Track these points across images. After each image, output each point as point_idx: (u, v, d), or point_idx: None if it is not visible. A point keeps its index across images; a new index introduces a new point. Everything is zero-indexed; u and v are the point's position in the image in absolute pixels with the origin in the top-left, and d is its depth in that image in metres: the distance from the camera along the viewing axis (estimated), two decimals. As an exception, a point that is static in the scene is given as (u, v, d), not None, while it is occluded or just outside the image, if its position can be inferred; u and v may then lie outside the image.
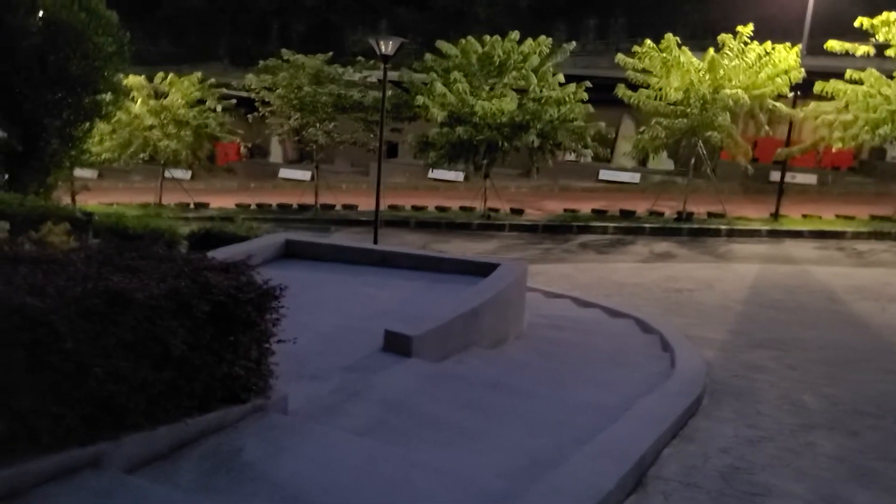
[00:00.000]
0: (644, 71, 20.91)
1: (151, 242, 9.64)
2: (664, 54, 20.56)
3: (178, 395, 4.56)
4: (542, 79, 21.60)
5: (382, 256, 9.97)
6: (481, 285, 8.26)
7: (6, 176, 14.14)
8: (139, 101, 24.55)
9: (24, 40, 12.58)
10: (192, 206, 25.05)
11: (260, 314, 5.08)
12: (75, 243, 6.18)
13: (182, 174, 28.01)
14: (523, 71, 21.70)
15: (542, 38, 22.06)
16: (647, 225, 20.66)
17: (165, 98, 25.08)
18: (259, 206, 24.90)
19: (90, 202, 21.95)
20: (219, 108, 25.56)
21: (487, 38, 22.19)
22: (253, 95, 24.83)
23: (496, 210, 22.70)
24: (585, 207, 23.22)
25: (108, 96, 14.27)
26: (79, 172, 21.20)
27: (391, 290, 8.79)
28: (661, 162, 29.89)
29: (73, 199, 20.44)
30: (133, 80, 23.47)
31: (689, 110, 20.65)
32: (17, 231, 6.30)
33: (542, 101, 21.14)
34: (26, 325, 3.75)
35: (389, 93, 20.38)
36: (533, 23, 29.35)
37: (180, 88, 25.11)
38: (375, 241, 15.08)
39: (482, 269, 9.03)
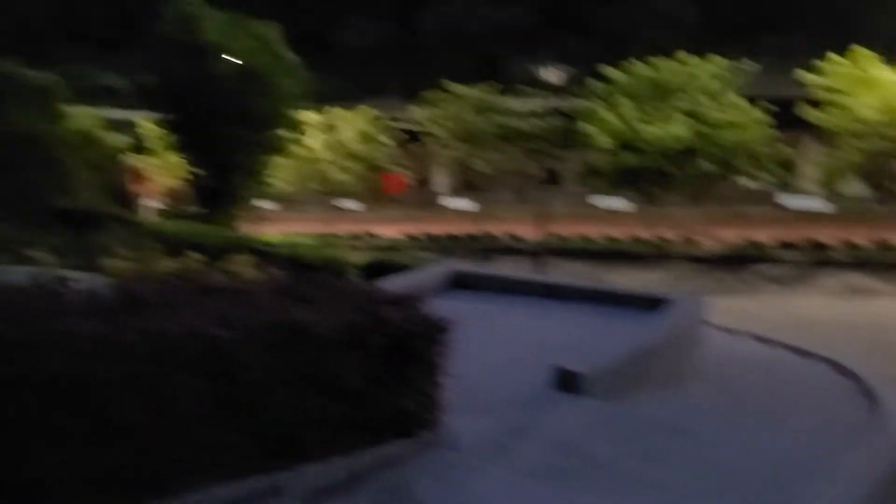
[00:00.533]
0: (831, 89, 19.33)
1: (326, 272, 10.05)
2: (855, 70, 18.90)
3: (353, 428, 4.58)
4: (716, 101, 20.56)
5: (549, 287, 9.74)
6: (655, 320, 7.81)
7: (200, 208, 15.40)
8: (314, 136, 26.03)
9: (218, 85, 13.72)
10: (362, 235, 26.07)
11: (430, 348, 5.04)
12: (259, 274, 6.48)
13: (352, 204, 29.32)
14: (695, 94, 20.78)
15: (716, 58, 21.06)
16: (838, 256, 18.90)
17: (338, 133, 26.44)
18: (425, 235, 25.46)
19: (269, 231, 23.45)
20: (387, 141, 26.58)
21: (655, 61, 21.50)
22: (419, 128, 25.62)
23: (665, 239, 21.75)
24: (764, 236, 21.66)
25: (288, 133, 15.21)
26: (260, 204, 22.73)
27: (559, 323, 8.52)
28: (852, 187, 27.40)
29: (255, 229, 21.92)
30: (309, 116, 24.96)
31: (891, 132, 18.74)
32: (209, 262, 6.72)
33: (716, 124, 20.10)
34: (215, 357, 3.89)
35: (554, 121, 20.24)
36: (705, 43, 28.08)
37: (352, 123, 26.40)
38: (540, 272, 14.88)
39: (655, 303, 8.56)
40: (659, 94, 21.45)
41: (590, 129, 20.66)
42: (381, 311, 4.86)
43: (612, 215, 28.88)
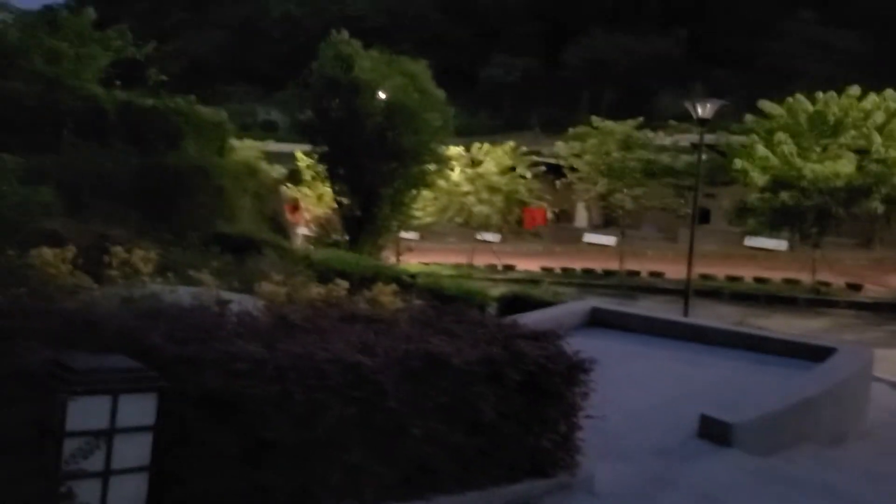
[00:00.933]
0: None
1: (465, 304, 10.11)
2: None
3: (487, 463, 4.53)
4: (890, 137, 19.01)
5: (696, 331, 9.29)
6: (816, 371, 7.25)
7: (347, 237, 16.03)
8: (457, 169, 26.50)
9: (368, 120, 14.33)
10: (499, 267, 26.15)
11: (569, 387, 4.92)
12: (401, 303, 6.61)
13: (492, 237, 29.51)
14: (864, 129, 19.32)
15: (890, 91, 19.52)
16: None
17: (480, 166, 26.78)
18: (563, 270, 25.14)
19: (410, 261, 24.04)
20: (528, 175, 26.62)
21: (820, 94, 20.24)
22: (561, 162, 25.48)
23: (827, 284, 20.22)
24: (945, 284, 19.69)
25: (432, 166, 15.60)
26: (402, 234, 23.36)
27: (706, 369, 8.10)
28: None
29: (398, 259, 22.54)
30: (452, 150, 25.48)
31: None
32: (353, 289, 6.93)
33: (889, 162, 18.57)
34: (358, 383, 3.99)
35: (704, 157, 19.47)
36: (876, 76, 26.15)
37: (494, 157, 26.67)
38: (686, 314, 14.24)
39: (816, 353, 7.94)
40: (822, 130, 20.12)
41: (743, 165, 19.68)
42: (519, 346, 4.81)
43: (765, 256, 27.30)
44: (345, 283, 6.70)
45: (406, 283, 9.20)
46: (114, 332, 4.16)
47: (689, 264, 14.70)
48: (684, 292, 16.71)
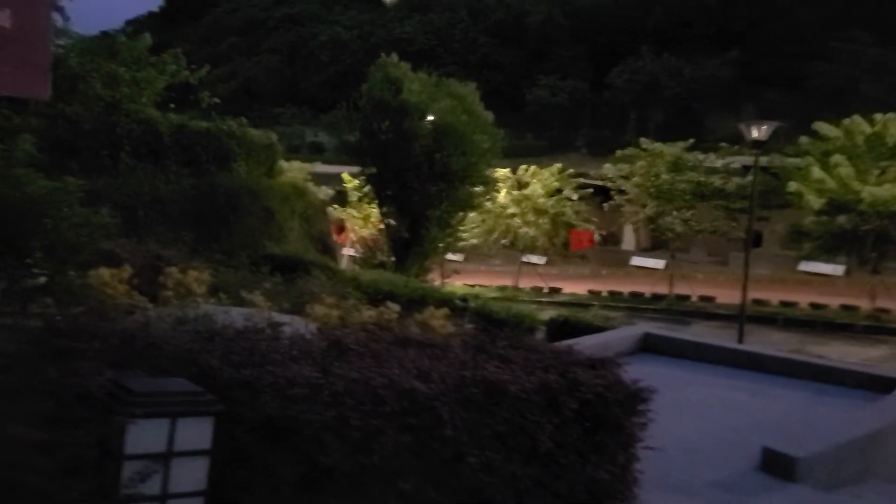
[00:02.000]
0: None
1: (513, 327, 10.00)
2: None
3: (543, 494, 4.41)
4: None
5: (753, 358, 9.01)
6: (881, 403, 6.95)
7: (394, 258, 16.05)
8: (503, 191, 26.43)
9: (416, 142, 14.39)
10: (545, 290, 25.90)
11: (627, 416, 4.79)
12: (453, 328, 6.55)
13: (538, 259, 29.28)
14: (930, 152, 18.76)
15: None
16: None
17: (527, 188, 26.66)
18: (610, 293, 24.75)
19: (455, 283, 23.97)
20: (575, 197, 26.40)
21: (879, 116, 19.69)
22: (609, 184, 25.21)
23: (886, 311, 19.52)
24: None
25: (480, 188, 15.56)
26: (447, 255, 23.32)
27: (765, 399, 7.83)
28: None
29: (443, 281, 22.49)
30: (499, 171, 25.44)
31: None
32: (403, 312, 6.90)
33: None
34: (414, 409, 3.93)
35: (755, 179, 19.06)
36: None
37: (540, 179, 26.53)
38: (740, 340, 13.86)
39: (883, 384, 7.62)
40: (881, 152, 19.57)
41: (798, 187, 19.20)
42: (577, 374, 4.70)
43: (821, 281, 26.53)
44: (395, 307, 6.68)
45: (455, 307, 9.13)
46: (171, 353, 4.19)
47: (744, 289, 14.32)
48: (738, 318, 16.30)
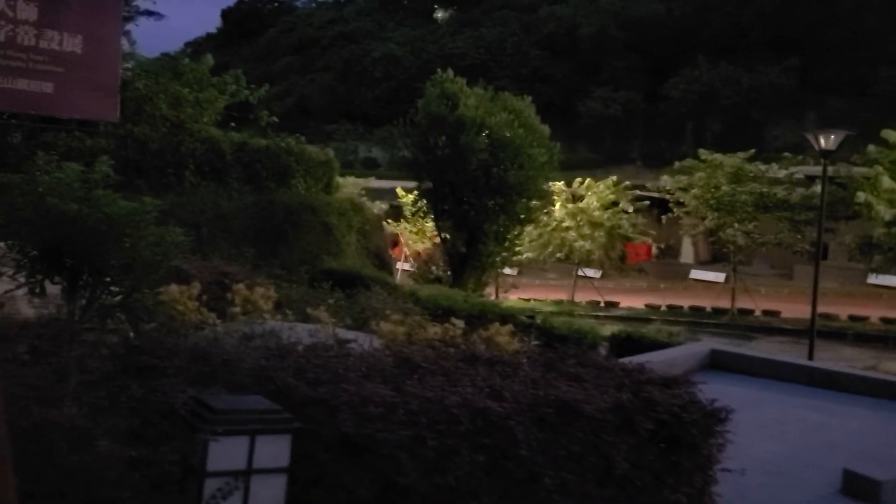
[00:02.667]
0: None
1: (578, 344, 9.86)
2: None
3: (619, 517, 4.31)
4: None
5: (827, 376, 8.69)
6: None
7: (450, 273, 16.04)
8: (558, 204, 26.21)
9: (473, 156, 14.38)
10: (602, 304, 25.56)
11: (704, 437, 4.66)
12: (518, 344, 6.49)
13: (593, 273, 28.93)
14: None
15: None
16: None
17: (582, 201, 26.38)
18: (670, 307, 24.28)
19: (511, 297, 23.84)
20: (631, 209, 26.02)
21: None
22: (667, 196, 24.77)
23: (962, 325, 18.72)
24: None
25: (537, 202, 15.45)
26: (505, 269, 23.19)
27: (842, 419, 7.54)
28: None
29: (497, 295, 22.39)
30: (554, 185, 25.25)
31: None
32: (467, 329, 6.88)
33: None
34: (488, 429, 3.88)
35: (821, 189, 18.49)
36: None
37: (596, 191, 26.22)
38: (811, 357, 13.41)
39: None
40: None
41: (867, 198, 18.54)
42: (651, 393, 4.60)
43: (891, 294, 25.53)
44: (460, 323, 6.66)
45: (522, 323, 9.05)
46: (248, 371, 4.24)
47: (814, 304, 13.84)
48: (805, 333, 15.77)
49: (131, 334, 5.74)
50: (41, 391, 3.53)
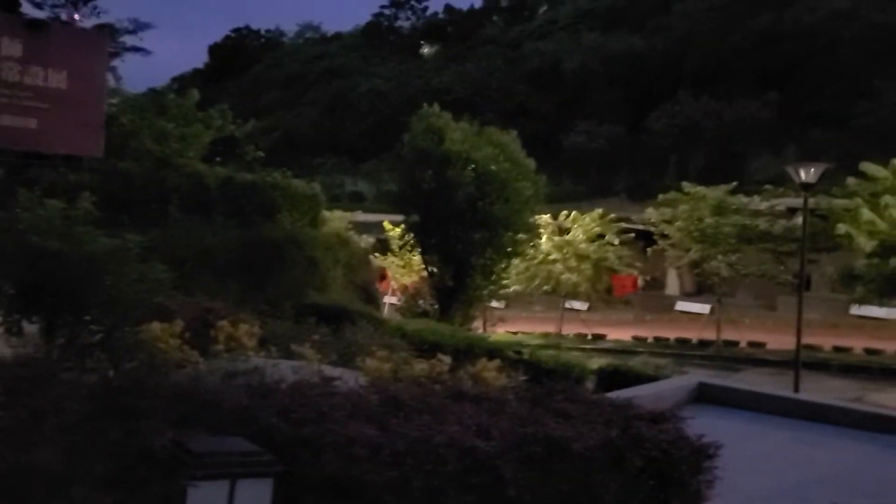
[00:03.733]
0: None
1: (563, 377, 9.80)
2: None
3: (608, 557, 4.24)
4: None
5: (815, 409, 8.67)
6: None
7: (436, 307, 15.98)
8: (544, 236, 26.26)
9: (459, 190, 14.43)
10: (589, 336, 25.51)
11: (693, 474, 4.61)
12: (506, 380, 6.44)
13: (580, 305, 28.90)
14: None
15: None
16: None
17: (568, 233, 26.46)
18: (656, 339, 24.28)
19: (498, 331, 23.75)
20: (617, 242, 26.11)
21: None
22: (651, 228, 24.92)
23: (948, 356, 18.80)
24: None
25: (524, 235, 15.48)
26: (491, 302, 23.10)
27: (831, 452, 7.50)
28: None
29: (485, 328, 22.30)
30: (541, 217, 25.32)
31: None
32: (454, 363, 6.82)
33: None
34: (476, 468, 3.82)
35: (802, 221, 18.65)
36: None
37: (581, 224, 26.31)
38: (797, 389, 13.41)
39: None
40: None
41: (848, 230, 18.73)
42: (639, 430, 4.56)
43: (875, 325, 25.67)
44: (447, 359, 6.61)
45: (503, 357, 8.99)
46: (229, 410, 4.16)
47: (798, 336, 13.88)
48: (791, 364, 15.80)
49: (111, 373, 5.63)
50: (16, 434, 3.43)
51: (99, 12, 16.98)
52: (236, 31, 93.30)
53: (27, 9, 20.19)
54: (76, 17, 16.13)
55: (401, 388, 5.09)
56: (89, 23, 16.35)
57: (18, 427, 3.54)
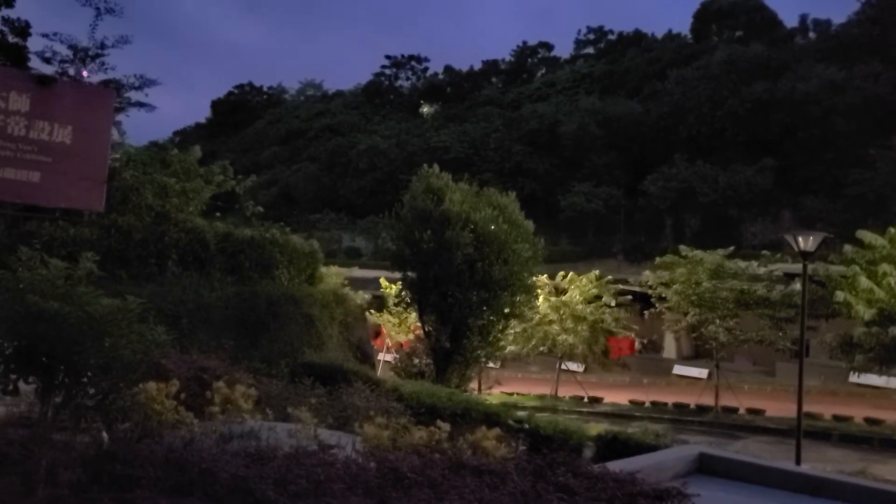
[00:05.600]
0: None
1: (561, 444, 9.64)
2: None
3: None
4: None
5: (822, 484, 8.47)
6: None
7: (433, 366, 15.81)
8: (541, 297, 26.22)
9: (458, 250, 14.43)
10: (586, 399, 25.24)
11: (700, 555, 4.49)
12: (505, 449, 6.31)
13: (576, 367, 28.69)
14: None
15: None
16: None
17: (564, 294, 26.42)
18: (653, 403, 24.02)
19: (494, 391, 23.49)
20: (613, 304, 26.06)
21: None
22: (649, 291, 24.89)
23: (949, 426, 18.58)
24: None
25: (522, 296, 15.42)
26: (488, 363, 22.91)
27: (837, 530, 7.31)
28: None
29: (480, 390, 22.05)
30: (538, 278, 25.32)
31: None
32: (453, 430, 6.69)
33: None
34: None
35: (800, 287, 18.66)
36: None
37: (578, 285, 26.30)
38: (798, 461, 13.18)
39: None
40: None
41: (846, 297, 18.74)
42: (644, 507, 4.45)
43: (874, 394, 25.48)
44: (446, 426, 6.49)
45: (501, 423, 8.84)
46: (227, 480, 4.06)
47: (799, 406, 13.69)
48: (790, 433, 15.59)
49: (104, 434, 5.52)
50: (7, 505, 3.33)
51: (107, 68, 17.25)
52: (239, 87, 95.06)
53: (35, 63, 20.50)
54: (84, 73, 16.33)
55: (400, 458, 4.99)
56: (96, 78, 16.53)
57: (10, 498, 3.43)
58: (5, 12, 20.95)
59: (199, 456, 4.60)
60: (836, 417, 20.35)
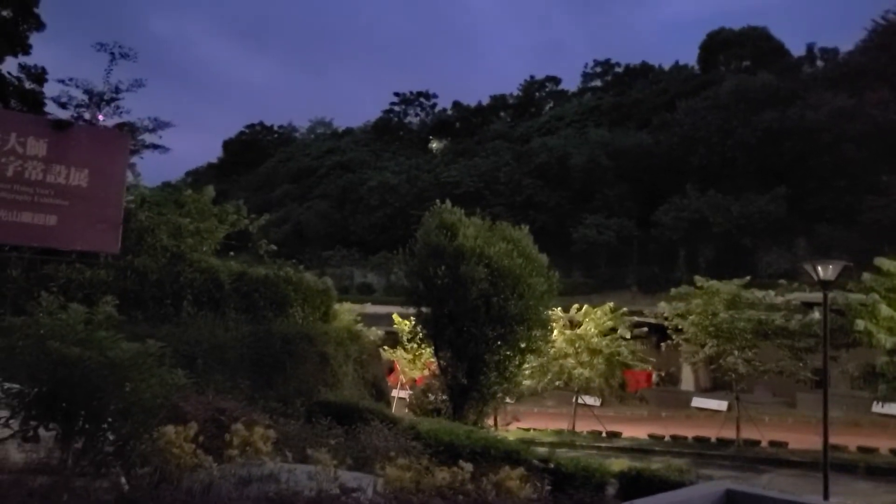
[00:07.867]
0: None
1: (583, 482, 9.45)
2: None
3: None
4: None
5: (851, 519, 8.25)
6: None
7: (449, 403, 15.64)
8: (556, 330, 26.01)
9: (473, 286, 14.37)
10: (604, 434, 24.88)
11: None
12: (530, 489, 6.18)
13: (593, 401, 28.35)
14: None
15: None
16: None
17: (579, 327, 26.20)
18: (673, 437, 23.63)
19: (511, 427, 23.20)
20: (629, 336, 25.81)
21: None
22: (665, 322, 24.65)
23: (980, 457, 18.14)
24: None
25: (538, 331, 15.29)
26: (504, 398, 22.65)
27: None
28: None
29: (496, 425, 21.78)
30: (553, 311, 25.13)
31: None
32: (475, 469, 6.58)
33: None
34: None
35: (819, 316, 18.43)
36: None
37: (593, 318, 26.07)
38: (826, 495, 12.87)
39: None
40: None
41: (867, 326, 18.48)
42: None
43: (899, 424, 25.00)
44: (469, 466, 6.37)
45: (523, 461, 8.68)
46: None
47: (825, 437, 13.40)
48: (815, 466, 15.25)
49: (123, 480, 5.44)
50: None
51: (121, 111, 17.53)
52: (250, 126, 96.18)
53: (52, 108, 20.84)
54: (100, 116, 16.58)
55: (424, 501, 4.89)
56: (111, 122, 16.77)
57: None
58: (22, 59, 21.34)
59: (219, 501, 4.52)
60: (861, 449, 19.93)
